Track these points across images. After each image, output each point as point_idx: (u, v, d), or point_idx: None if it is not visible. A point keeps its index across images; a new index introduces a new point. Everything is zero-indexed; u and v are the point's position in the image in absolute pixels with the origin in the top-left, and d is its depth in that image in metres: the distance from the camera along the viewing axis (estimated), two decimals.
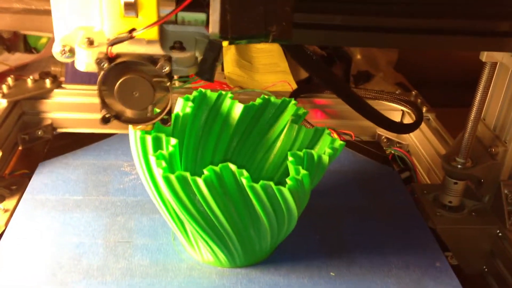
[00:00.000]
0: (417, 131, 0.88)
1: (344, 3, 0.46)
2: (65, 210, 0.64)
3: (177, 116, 0.60)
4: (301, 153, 0.52)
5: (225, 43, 0.49)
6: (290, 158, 0.51)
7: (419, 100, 0.93)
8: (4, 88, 0.85)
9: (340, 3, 0.46)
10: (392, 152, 0.89)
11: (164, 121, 0.47)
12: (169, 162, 0.50)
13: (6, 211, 0.65)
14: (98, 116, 0.88)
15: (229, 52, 1.13)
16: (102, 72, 0.43)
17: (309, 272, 0.58)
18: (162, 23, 0.44)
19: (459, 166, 0.68)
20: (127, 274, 0.56)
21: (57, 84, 0.89)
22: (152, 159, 0.49)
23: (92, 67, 0.45)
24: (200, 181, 0.47)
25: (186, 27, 0.47)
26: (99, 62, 0.43)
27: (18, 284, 0.54)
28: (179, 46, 0.46)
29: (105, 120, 0.46)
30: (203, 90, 0.62)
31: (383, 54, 1.23)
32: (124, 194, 0.68)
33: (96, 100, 0.84)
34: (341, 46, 1.16)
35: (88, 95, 0.88)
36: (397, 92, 0.95)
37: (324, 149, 0.57)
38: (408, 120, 0.92)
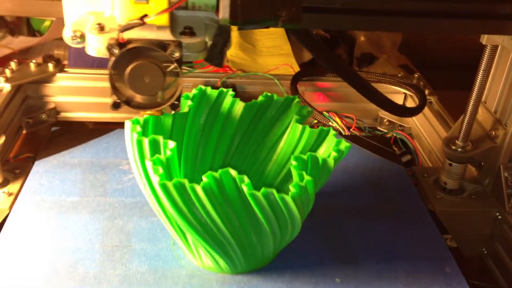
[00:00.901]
0: (419, 114, 0.85)
1: None
2: (62, 212, 0.60)
3: (175, 115, 0.55)
4: (305, 157, 0.48)
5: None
6: (293, 163, 0.48)
7: (421, 83, 0.89)
8: (7, 72, 0.81)
9: None
10: (394, 135, 0.85)
11: (174, 106, 0.46)
12: (166, 167, 0.46)
13: (10, 194, 0.63)
14: (102, 100, 0.85)
15: (232, 35, 1.12)
16: (113, 58, 0.42)
17: (313, 279, 0.54)
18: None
19: (459, 149, 0.66)
20: (125, 282, 0.52)
21: (60, 68, 0.85)
22: (149, 165, 0.45)
23: (102, 53, 0.44)
24: (198, 188, 0.44)
25: (195, 12, 0.46)
26: (110, 47, 0.42)
27: None
28: (189, 31, 0.45)
29: (115, 106, 0.45)
30: (203, 87, 0.57)
31: (387, 36, 1.20)
32: (123, 194, 0.63)
33: (99, 84, 0.83)
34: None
35: (91, 79, 0.85)
36: (399, 74, 0.90)
37: (329, 151, 0.52)
38: (410, 103, 0.88)
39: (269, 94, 0.59)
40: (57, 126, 0.76)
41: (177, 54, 0.43)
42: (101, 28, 0.44)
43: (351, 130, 0.83)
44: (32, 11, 0.92)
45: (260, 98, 0.58)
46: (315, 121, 0.85)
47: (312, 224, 0.57)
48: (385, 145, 0.77)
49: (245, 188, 0.44)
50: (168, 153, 0.48)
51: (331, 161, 0.49)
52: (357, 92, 0.85)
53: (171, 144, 0.49)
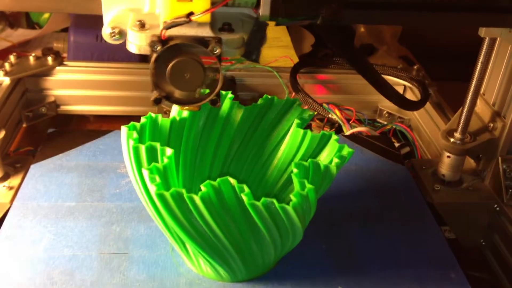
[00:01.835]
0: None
1: None
2: (58, 218, 0.57)
3: (173, 120, 0.53)
4: (306, 163, 0.46)
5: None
6: (294, 170, 0.45)
7: (421, 74, 0.87)
8: (7, 65, 0.80)
9: None
10: (393, 127, 0.83)
11: (213, 102, 0.46)
12: (163, 176, 0.45)
13: (11, 188, 0.62)
14: (101, 93, 0.82)
15: None
16: (155, 55, 0.43)
17: (315, 286, 0.52)
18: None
19: (457, 141, 0.65)
20: None
21: (59, 61, 0.83)
22: (146, 173, 0.43)
23: (144, 50, 0.44)
24: (196, 198, 0.42)
25: (231, 9, 0.46)
26: (152, 44, 0.42)
27: None
28: (228, 27, 0.45)
29: (156, 101, 0.45)
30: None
31: (388, 27, 1.21)
32: (120, 199, 0.61)
33: (99, 77, 0.81)
34: None
35: (91, 72, 0.83)
36: (399, 66, 0.88)
37: (331, 156, 0.50)
38: (410, 95, 0.86)
39: (269, 96, 0.56)
40: (53, 128, 0.73)
41: (218, 51, 0.43)
42: (142, 25, 0.44)
43: (350, 122, 0.81)
44: (31, 6, 0.92)
45: (260, 101, 0.56)
46: (315, 113, 0.83)
47: (314, 229, 0.54)
48: (388, 146, 0.74)
49: (244, 198, 0.42)
50: (166, 160, 0.46)
51: (333, 168, 0.47)
52: (358, 84, 0.86)
53: (169, 151, 0.47)
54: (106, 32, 0.46)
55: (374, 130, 0.80)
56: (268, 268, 0.54)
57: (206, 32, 0.44)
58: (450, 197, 0.67)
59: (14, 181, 0.63)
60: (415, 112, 0.85)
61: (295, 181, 0.45)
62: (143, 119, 0.51)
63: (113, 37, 0.46)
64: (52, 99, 0.84)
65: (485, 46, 0.61)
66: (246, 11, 0.47)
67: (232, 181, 0.42)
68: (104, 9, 0.47)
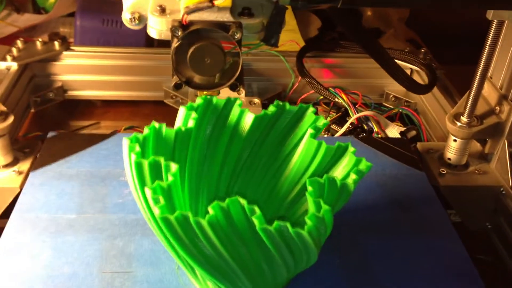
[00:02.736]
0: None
1: None
2: (58, 232, 0.52)
3: (178, 130, 0.47)
4: (321, 180, 0.41)
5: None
6: (309, 188, 0.41)
7: (428, 57, 0.84)
8: (14, 51, 0.77)
9: None
10: (400, 111, 0.80)
11: (233, 87, 0.46)
12: (168, 195, 0.40)
13: (20, 173, 0.60)
14: (108, 78, 0.76)
15: None
16: (175, 40, 0.43)
17: None
18: None
19: (464, 125, 0.63)
20: None
21: (66, 46, 0.80)
22: (148, 194, 0.39)
23: (164, 35, 0.44)
24: (204, 222, 0.37)
25: None
26: (173, 29, 0.43)
27: None
28: (248, 12, 0.45)
29: (177, 86, 0.45)
30: (208, 97, 0.50)
31: (395, 11, 1.20)
32: (123, 210, 0.55)
33: (106, 62, 0.84)
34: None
35: (98, 57, 0.80)
36: (406, 50, 0.85)
37: (347, 170, 0.46)
38: (416, 78, 0.83)
39: (280, 103, 0.50)
40: (54, 127, 0.69)
41: (238, 35, 0.43)
42: (162, 10, 0.44)
43: (357, 106, 0.76)
44: None
45: (271, 108, 0.50)
46: (321, 97, 0.80)
47: (327, 243, 0.49)
48: (404, 149, 0.68)
49: (256, 222, 0.38)
50: (170, 178, 0.41)
51: (350, 185, 0.42)
52: (364, 68, 0.86)
53: (174, 167, 0.42)
54: (125, 17, 0.46)
55: (380, 114, 0.80)
56: (281, 287, 0.48)
57: (226, 17, 0.43)
58: (456, 181, 0.64)
59: (24, 166, 0.61)
60: (421, 96, 0.83)
61: (310, 200, 0.40)
62: (146, 130, 0.45)
63: (133, 23, 0.46)
64: (59, 84, 0.80)
65: (492, 29, 0.60)
66: None
67: (242, 201, 0.37)
68: None
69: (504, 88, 0.63)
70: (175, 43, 0.42)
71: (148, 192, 0.39)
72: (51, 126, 0.69)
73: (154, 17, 0.43)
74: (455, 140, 0.63)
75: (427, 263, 0.52)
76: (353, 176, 0.43)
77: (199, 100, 0.49)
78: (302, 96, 0.82)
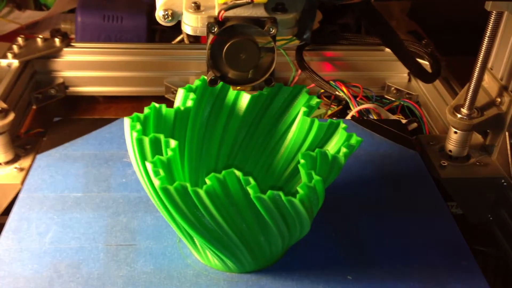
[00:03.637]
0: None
1: None
2: (64, 210, 0.56)
3: (177, 110, 0.50)
4: (313, 153, 0.45)
5: None
6: (301, 161, 0.44)
7: (429, 49, 0.84)
8: (15, 48, 0.79)
9: None
10: (401, 103, 0.82)
11: (268, 82, 0.46)
12: (167, 169, 0.43)
13: (21, 170, 0.62)
14: (109, 74, 0.81)
15: None
16: (212, 36, 0.43)
17: (324, 276, 0.50)
18: None
19: (464, 117, 0.64)
20: (129, 283, 0.48)
21: (67, 42, 0.82)
22: (149, 167, 0.42)
23: (200, 31, 0.45)
24: (201, 192, 0.40)
25: None
26: (210, 26, 0.43)
27: None
28: (282, 7, 0.45)
29: (212, 82, 0.46)
30: (206, 78, 0.51)
31: (397, 2, 1.21)
32: (127, 189, 0.59)
33: (107, 58, 0.86)
34: None
35: (99, 53, 0.83)
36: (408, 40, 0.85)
37: (339, 145, 0.48)
38: None
39: (276, 83, 0.53)
40: (62, 111, 0.72)
41: (273, 31, 0.43)
42: (197, 7, 0.45)
43: (357, 99, 0.79)
44: None
45: (266, 88, 0.53)
46: (322, 90, 0.82)
47: (323, 218, 0.53)
48: (399, 130, 0.71)
49: (250, 191, 0.40)
50: (170, 153, 0.44)
51: (341, 158, 0.45)
52: (365, 61, 0.86)
53: (173, 143, 0.45)
54: (159, 15, 0.47)
55: (381, 107, 0.80)
56: (276, 258, 0.52)
57: (261, 13, 0.44)
58: (457, 173, 0.65)
59: (25, 162, 0.63)
60: (423, 88, 0.84)
61: (302, 172, 0.44)
62: (146, 110, 0.49)
63: (166, 19, 0.47)
64: (60, 80, 0.83)
65: (492, 20, 0.60)
66: None
67: (238, 173, 0.41)
68: None
69: (504, 79, 0.64)
70: (211, 40, 0.42)
71: (148, 165, 0.42)
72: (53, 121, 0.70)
73: (189, 14, 0.45)
74: (455, 132, 0.64)
75: (418, 237, 0.56)
76: (344, 150, 0.46)
77: (197, 82, 0.52)
78: None
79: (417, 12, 1.10)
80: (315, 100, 0.53)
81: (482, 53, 0.61)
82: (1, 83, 0.73)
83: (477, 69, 0.62)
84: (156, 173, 0.42)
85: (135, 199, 0.58)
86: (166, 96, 0.85)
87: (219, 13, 0.43)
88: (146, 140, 0.45)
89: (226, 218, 0.43)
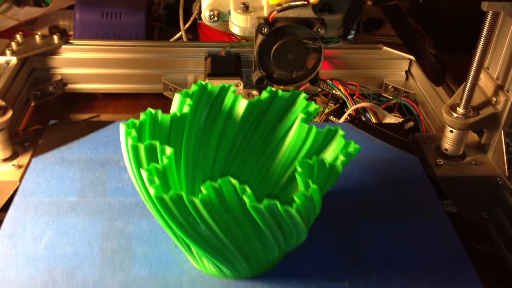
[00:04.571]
0: (424, 80, 0.82)
1: None
2: (59, 215, 0.55)
3: (173, 116, 0.49)
4: (311, 161, 0.44)
5: None
6: (298, 169, 0.43)
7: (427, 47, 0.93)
8: (13, 45, 0.79)
9: None
10: (399, 101, 0.81)
11: (313, 81, 0.48)
12: (163, 177, 0.42)
13: (19, 167, 0.62)
14: (107, 71, 0.81)
15: None
16: (261, 37, 0.44)
17: (321, 283, 0.50)
18: None
19: (460, 116, 0.64)
20: None
21: (65, 39, 0.82)
22: (144, 175, 0.41)
23: (248, 31, 0.46)
24: (197, 201, 0.39)
25: None
26: (260, 27, 0.44)
27: None
28: (329, 8, 0.46)
29: (259, 81, 0.47)
30: (203, 83, 0.52)
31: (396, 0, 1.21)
32: (123, 193, 0.58)
33: (105, 55, 0.86)
34: None
35: (97, 50, 0.82)
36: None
37: (336, 153, 0.47)
38: (415, 68, 0.84)
39: (273, 89, 0.53)
40: (58, 113, 0.71)
41: (322, 31, 0.44)
42: (246, 8, 0.46)
43: (354, 97, 0.78)
44: None
45: (264, 94, 0.52)
46: (319, 89, 0.81)
47: (320, 223, 0.51)
48: (398, 134, 0.70)
49: (246, 200, 0.40)
50: (165, 160, 0.43)
51: (339, 166, 0.44)
52: (362, 59, 0.86)
53: (168, 150, 0.44)
54: (205, 15, 0.47)
55: (379, 105, 0.81)
56: (273, 265, 0.51)
57: (309, 14, 0.44)
58: (452, 171, 0.65)
59: (23, 159, 0.63)
60: (420, 86, 0.83)
61: (299, 181, 0.43)
62: (142, 116, 0.47)
63: (212, 20, 0.48)
64: (59, 77, 0.82)
65: (488, 20, 0.61)
66: None
67: (234, 181, 0.40)
68: None
69: (500, 79, 0.64)
70: (260, 40, 0.43)
71: (144, 173, 0.41)
72: (51, 119, 0.70)
73: (238, 14, 0.45)
74: (451, 131, 0.64)
75: (417, 243, 0.55)
76: (341, 158, 0.45)
77: (194, 87, 0.51)
78: (300, 89, 0.83)
79: (417, 11, 1.10)
80: (313, 106, 0.52)
81: (478, 53, 0.61)
82: None
83: (473, 69, 0.62)
84: (151, 182, 0.41)
85: (131, 204, 0.57)
86: (164, 93, 0.85)
87: (270, 14, 0.43)
88: (142, 147, 0.44)
89: (222, 226, 0.42)
